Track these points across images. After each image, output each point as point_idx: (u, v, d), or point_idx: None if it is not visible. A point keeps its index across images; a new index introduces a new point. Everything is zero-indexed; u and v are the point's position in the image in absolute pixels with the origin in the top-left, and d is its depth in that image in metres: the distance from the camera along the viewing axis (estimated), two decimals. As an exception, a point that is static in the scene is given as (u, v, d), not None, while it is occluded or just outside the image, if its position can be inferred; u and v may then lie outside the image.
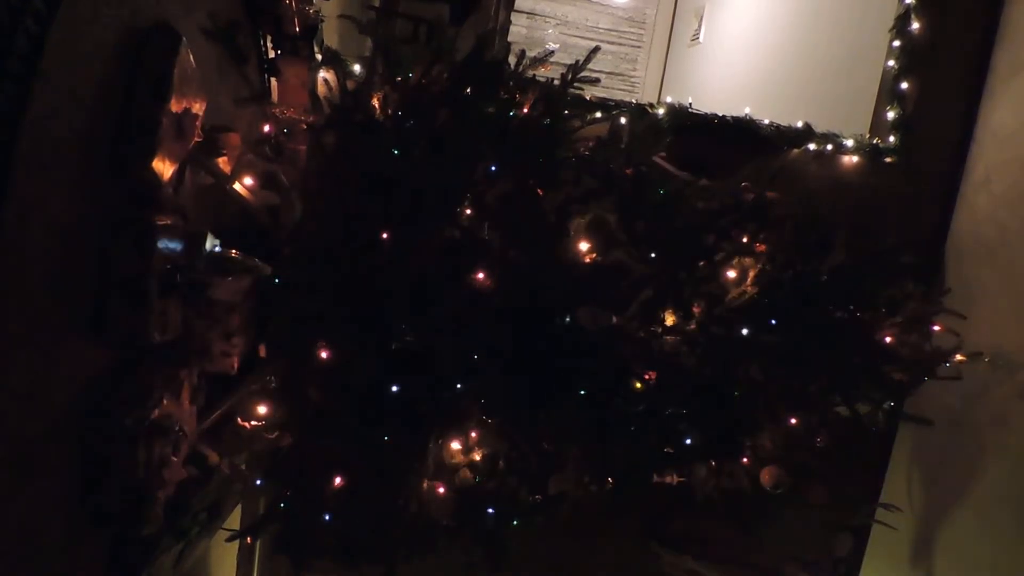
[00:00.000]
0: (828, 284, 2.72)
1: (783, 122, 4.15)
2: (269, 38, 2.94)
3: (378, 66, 2.49)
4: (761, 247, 2.68)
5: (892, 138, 4.14)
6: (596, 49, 2.72)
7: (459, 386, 2.41)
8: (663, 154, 3.30)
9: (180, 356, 2.14)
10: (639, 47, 8.65)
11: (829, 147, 4.12)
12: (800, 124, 4.15)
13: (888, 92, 4.19)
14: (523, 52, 2.62)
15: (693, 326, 2.58)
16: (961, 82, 4.13)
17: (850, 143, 4.13)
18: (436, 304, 2.34)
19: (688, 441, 2.69)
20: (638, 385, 2.55)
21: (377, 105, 2.44)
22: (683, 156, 3.44)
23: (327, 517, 2.45)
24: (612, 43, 8.47)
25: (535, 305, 2.42)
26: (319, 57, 3.42)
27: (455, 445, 2.59)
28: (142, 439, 1.96)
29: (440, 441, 2.56)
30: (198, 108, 2.04)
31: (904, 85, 4.11)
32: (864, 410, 2.90)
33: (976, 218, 4.00)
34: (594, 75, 2.63)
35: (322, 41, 3.50)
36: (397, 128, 2.38)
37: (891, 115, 4.14)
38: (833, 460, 3.16)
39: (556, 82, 2.58)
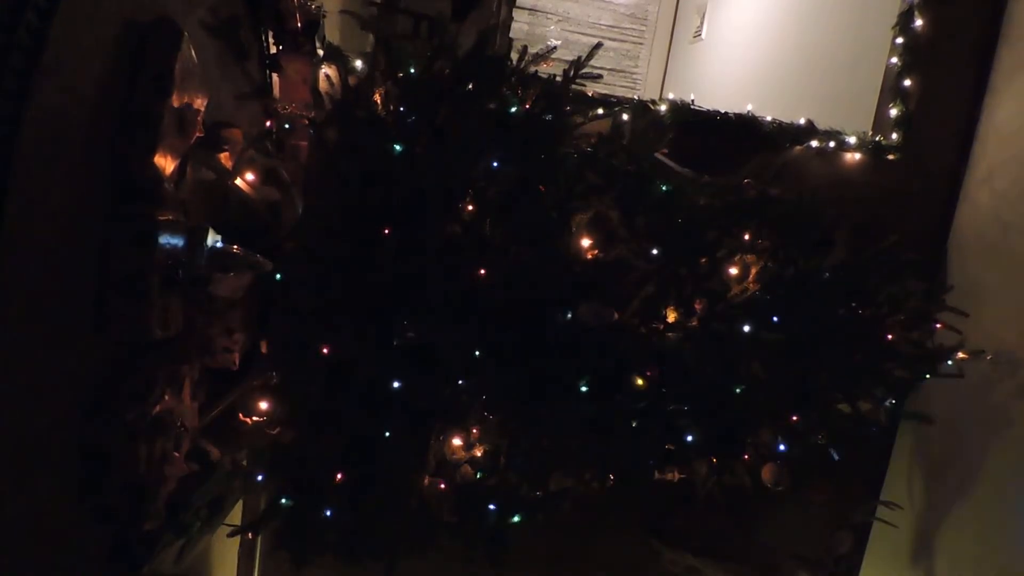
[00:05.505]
0: (830, 281, 2.72)
1: (785, 119, 4.14)
2: (270, 33, 2.93)
3: (380, 62, 2.48)
4: (763, 243, 2.68)
5: (895, 135, 4.12)
6: (598, 45, 2.72)
7: (460, 382, 2.41)
8: (665, 150, 3.30)
9: (181, 352, 2.14)
10: (641, 44, 8.64)
11: (831, 144, 4.11)
12: (802, 121, 4.14)
13: (891, 89, 4.18)
14: (525, 48, 2.62)
15: (695, 323, 2.58)
16: (964, 79, 4.12)
17: (852, 140, 4.12)
18: (437, 300, 2.34)
19: (689, 438, 2.70)
20: (640, 382, 2.55)
21: (379, 101, 2.44)
22: (685, 153, 3.43)
23: (328, 513, 2.45)
24: (614, 39, 8.46)
25: (537, 301, 2.42)
26: (321, 53, 3.42)
27: (456, 441, 2.59)
28: (143, 435, 1.96)
29: (441, 437, 2.56)
30: (200, 103, 2.03)
31: (907, 82, 4.10)
32: (866, 407, 2.89)
33: (979, 215, 3.99)
34: (596, 71, 2.62)
35: (324, 36, 3.49)
36: (399, 124, 2.38)
37: (894, 112, 4.13)
38: (834, 458, 3.16)
39: (558, 78, 2.57)
